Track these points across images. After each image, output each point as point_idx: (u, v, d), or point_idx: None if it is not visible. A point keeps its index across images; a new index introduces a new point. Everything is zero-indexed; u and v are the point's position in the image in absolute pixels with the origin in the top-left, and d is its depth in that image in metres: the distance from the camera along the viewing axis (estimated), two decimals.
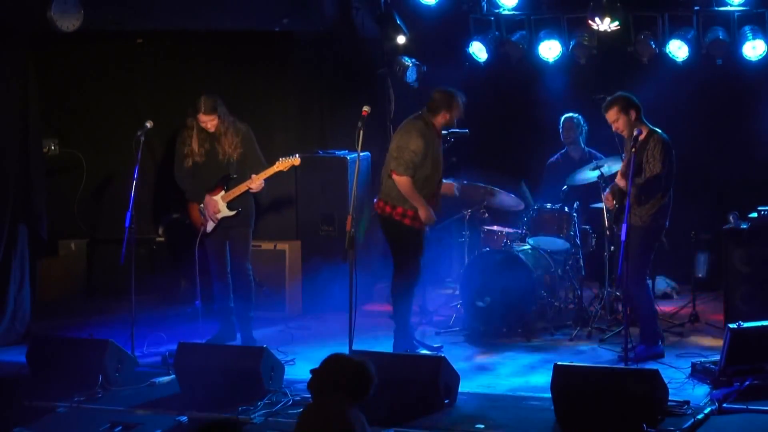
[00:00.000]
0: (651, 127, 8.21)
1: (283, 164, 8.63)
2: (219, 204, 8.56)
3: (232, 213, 8.56)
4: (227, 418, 4.72)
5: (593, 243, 9.59)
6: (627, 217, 7.65)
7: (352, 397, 5.00)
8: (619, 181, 8.18)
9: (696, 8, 10.21)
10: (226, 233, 8.67)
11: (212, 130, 8.55)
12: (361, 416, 4.93)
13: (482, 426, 6.78)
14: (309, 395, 7.20)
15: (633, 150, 7.79)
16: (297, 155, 8.71)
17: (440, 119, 8.32)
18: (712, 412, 6.81)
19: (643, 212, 8.17)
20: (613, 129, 8.27)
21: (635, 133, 7.93)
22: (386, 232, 8.43)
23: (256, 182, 8.54)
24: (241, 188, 8.54)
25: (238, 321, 8.75)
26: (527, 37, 10.75)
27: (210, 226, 8.59)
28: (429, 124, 8.30)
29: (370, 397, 5.05)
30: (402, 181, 8.18)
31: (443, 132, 8.61)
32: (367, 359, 5.18)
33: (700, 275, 10.13)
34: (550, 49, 10.64)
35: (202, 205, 8.60)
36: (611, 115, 8.18)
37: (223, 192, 8.56)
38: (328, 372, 5.04)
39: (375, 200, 8.55)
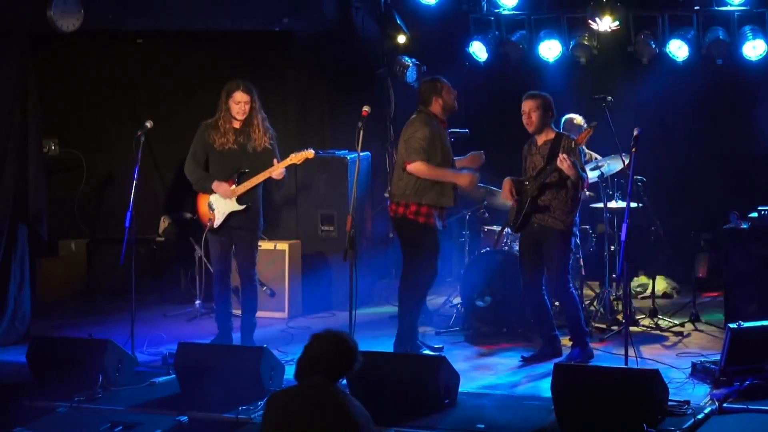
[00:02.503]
0: (558, 130, 8.32)
1: (297, 157, 8.56)
2: (230, 189, 8.47)
3: (241, 207, 8.47)
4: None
5: (593, 243, 9.60)
6: (627, 216, 7.62)
7: (333, 374, 4.88)
8: (568, 167, 8.01)
9: (696, 8, 10.23)
10: (232, 236, 8.57)
11: (243, 116, 8.39)
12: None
13: (482, 426, 6.78)
14: None
15: (633, 150, 7.76)
16: (311, 149, 8.64)
17: (436, 107, 8.31)
18: (712, 412, 6.81)
19: (564, 216, 8.15)
20: (524, 119, 8.29)
21: (635, 132, 7.89)
22: (400, 233, 8.39)
23: (278, 169, 8.40)
24: (252, 181, 8.43)
25: (241, 327, 8.69)
26: (527, 37, 10.77)
27: (217, 221, 8.51)
28: (430, 115, 8.30)
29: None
30: (417, 166, 8.13)
31: (450, 130, 8.60)
32: (344, 333, 5.04)
33: (700, 275, 10.13)
34: (550, 49, 10.65)
35: (211, 199, 8.52)
36: (530, 104, 8.25)
37: (234, 185, 8.51)
38: (310, 353, 4.89)
39: (387, 203, 8.51)
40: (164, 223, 11.16)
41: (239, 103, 8.40)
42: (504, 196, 8.44)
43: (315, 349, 4.87)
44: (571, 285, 8.32)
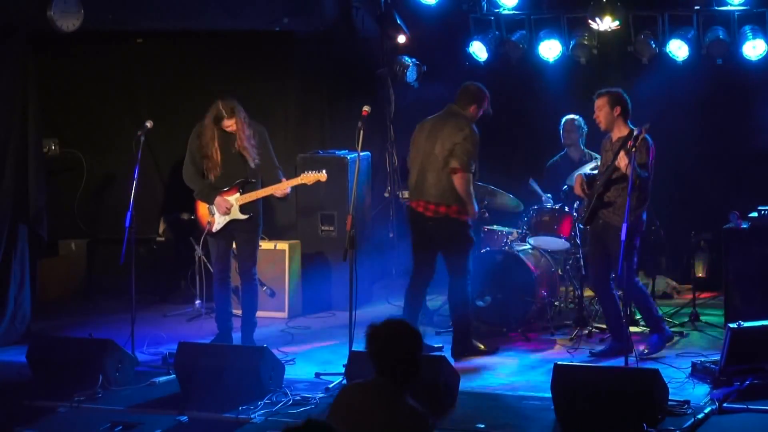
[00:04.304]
0: (633, 128, 8.23)
1: (308, 177, 8.56)
2: (232, 205, 8.47)
3: (244, 217, 8.44)
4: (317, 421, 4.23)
5: None
6: (627, 217, 7.64)
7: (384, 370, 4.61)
8: (625, 166, 8.00)
9: (696, 8, 10.22)
10: (231, 237, 8.56)
11: (231, 129, 8.40)
12: None
13: (482, 426, 6.78)
14: (309, 394, 7.28)
15: (633, 149, 7.79)
16: (324, 171, 8.61)
17: (473, 111, 8.40)
18: (712, 412, 6.81)
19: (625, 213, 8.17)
20: (594, 116, 8.37)
21: (635, 132, 7.94)
22: (442, 233, 8.36)
23: (283, 187, 8.44)
24: (259, 193, 8.43)
25: (241, 326, 8.69)
26: (527, 37, 10.76)
27: (216, 226, 8.50)
28: (469, 118, 8.37)
29: None
30: (467, 178, 8.22)
31: None
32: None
33: (700, 275, 10.12)
34: (550, 49, 10.64)
35: (212, 206, 8.50)
36: (599, 102, 8.28)
37: (238, 194, 8.47)
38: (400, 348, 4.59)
39: (414, 203, 8.45)
40: (164, 224, 11.16)
41: (228, 126, 8.39)
42: (575, 191, 8.55)
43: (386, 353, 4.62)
44: (637, 278, 8.41)
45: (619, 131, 8.25)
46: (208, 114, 8.43)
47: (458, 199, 8.24)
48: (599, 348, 8.45)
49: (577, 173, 8.60)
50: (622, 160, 7.98)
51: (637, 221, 8.21)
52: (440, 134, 8.32)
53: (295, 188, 10.34)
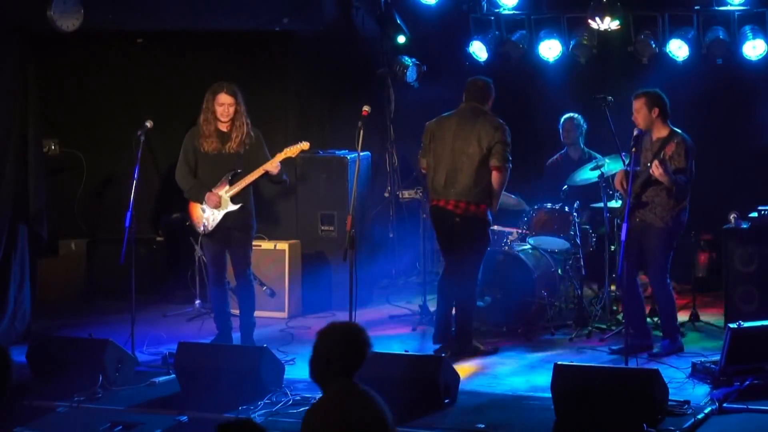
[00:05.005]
0: (673, 128, 8.25)
1: (292, 150, 8.58)
2: (222, 198, 8.47)
3: (236, 207, 8.45)
4: (245, 420, 4.27)
5: (593, 243, 9.59)
6: (627, 217, 7.65)
7: (350, 371, 4.68)
8: (660, 175, 8.04)
9: (696, 8, 10.22)
10: (226, 239, 8.57)
11: (227, 118, 8.37)
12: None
13: (482, 426, 6.78)
14: (309, 394, 7.28)
15: (633, 150, 7.80)
16: (305, 141, 8.65)
17: (491, 104, 8.48)
18: (712, 412, 6.82)
19: (664, 213, 8.17)
20: (632, 118, 8.33)
21: (635, 132, 7.94)
22: (468, 231, 8.35)
23: (274, 163, 8.43)
24: (246, 179, 8.43)
25: (240, 326, 8.69)
26: (527, 37, 10.76)
27: (212, 225, 8.50)
28: (492, 113, 8.42)
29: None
30: (504, 177, 8.30)
31: None
32: (348, 324, 4.88)
33: (700, 275, 10.13)
34: (550, 49, 10.64)
35: (203, 205, 8.50)
36: (637, 105, 8.28)
37: (227, 186, 8.49)
38: (321, 354, 4.68)
39: (442, 201, 8.41)
40: (161, 226, 11.14)
41: (223, 105, 8.38)
42: (615, 186, 8.61)
43: (325, 348, 4.67)
44: (669, 281, 8.42)
45: (658, 132, 8.27)
46: (205, 99, 8.44)
47: (487, 198, 8.27)
48: (618, 346, 8.40)
49: (619, 169, 8.59)
50: (656, 169, 7.99)
51: (676, 222, 8.24)
52: (473, 133, 8.29)
53: (295, 188, 10.40)
